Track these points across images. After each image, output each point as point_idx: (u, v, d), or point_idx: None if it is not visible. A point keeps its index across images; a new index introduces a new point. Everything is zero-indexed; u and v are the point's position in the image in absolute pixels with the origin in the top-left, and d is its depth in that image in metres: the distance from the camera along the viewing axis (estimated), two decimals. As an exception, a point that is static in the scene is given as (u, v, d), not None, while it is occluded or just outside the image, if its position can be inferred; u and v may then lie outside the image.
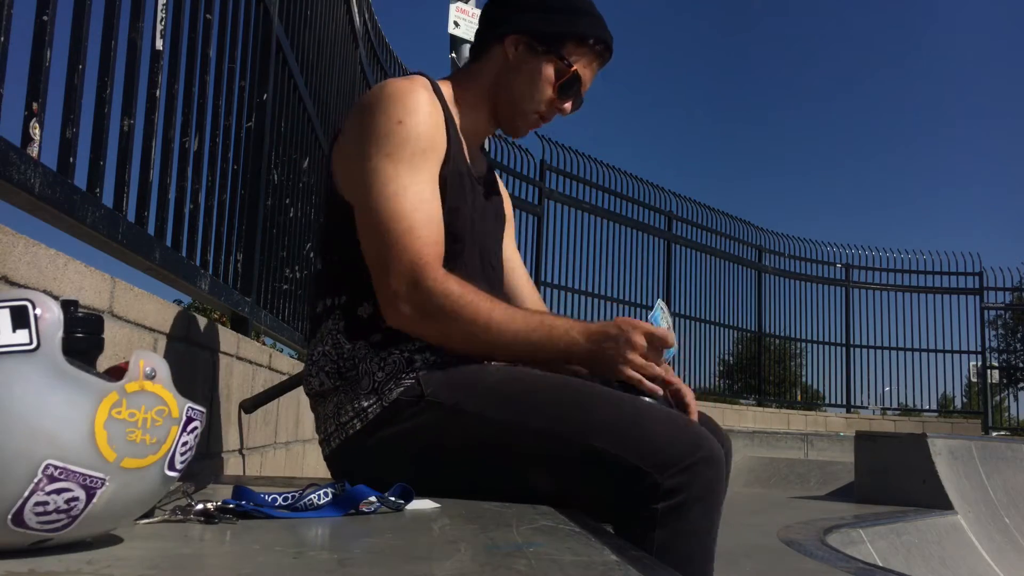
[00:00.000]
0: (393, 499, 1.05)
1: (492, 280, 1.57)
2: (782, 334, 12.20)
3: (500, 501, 1.23)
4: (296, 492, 1.02)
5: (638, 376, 1.35)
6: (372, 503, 1.02)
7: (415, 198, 1.37)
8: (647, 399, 1.34)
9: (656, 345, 1.37)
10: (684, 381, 1.53)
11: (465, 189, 1.49)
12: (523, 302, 1.70)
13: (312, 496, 0.98)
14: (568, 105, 1.55)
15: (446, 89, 1.56)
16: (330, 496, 1.00)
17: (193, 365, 1.83)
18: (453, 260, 1.42)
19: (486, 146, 1.67)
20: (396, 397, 1.36)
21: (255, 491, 0.99)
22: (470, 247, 1.49)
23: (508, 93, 1.54)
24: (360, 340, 1.40)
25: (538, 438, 1.29)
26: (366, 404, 1.37)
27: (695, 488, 1.24)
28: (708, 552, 1.29)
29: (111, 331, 1.35)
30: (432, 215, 1.38)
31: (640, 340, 1.35)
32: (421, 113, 1.41)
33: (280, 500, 1.00)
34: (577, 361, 1.38)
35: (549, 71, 1.51)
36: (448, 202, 1.44)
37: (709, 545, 1.29)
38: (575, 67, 1.51)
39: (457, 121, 1.53)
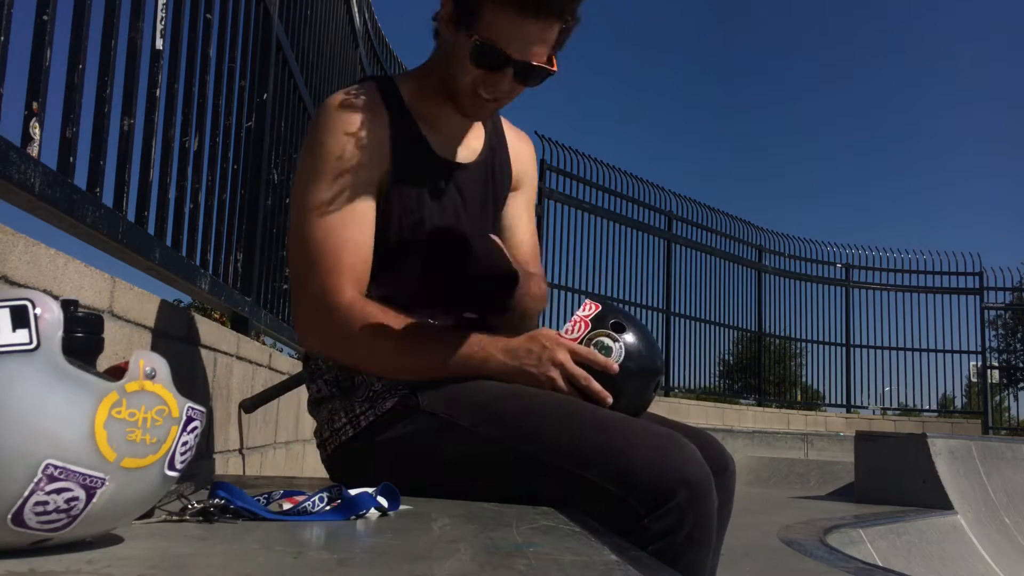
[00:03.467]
0: (386, 506, 1.05)
1: None
2: (782, 334, 12.21)
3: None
4: (266, 495, 1.01)
5: (566, 389, 1.32)
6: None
7: (330, 223, 1.36)
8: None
9: (585, 364, 1.33)
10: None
11: (424, 189, 1.45)
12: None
13: (306, 504, 0.98)
14: (503, 75, 1.38)
15: (410, 85, 1.50)
16: (325, 502, 1.00)
17: (193, 365, 1.83)
18: (408, 264, 1.41)
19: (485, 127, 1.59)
20: (390, 406, 1.37)
21: (234, 486, 0.99)
22: (435, 246, 1.41)
23: (447, 77, 1.44)
24: None
25: (527, 462, 1.27)
26: (359, 411, 1.39)
27: (685, 528, 1.19)
28: (704, 569, 1.26)
29: (111, 331, 1.35)
30: (347, 240, 1.37)
31: (562, 357, 1.33)
32: (340, 132, 1.39)
33: (261, 499, 0.99)
34: (497, 377, 1.35)
35: (465, 46, 1.37)
36: (396, 210, 1.42)
37: (705, 565, 1.26)
38: (478, 36, 1.34)
39: (426, 114, 1.48)
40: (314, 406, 1.48)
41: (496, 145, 1.61)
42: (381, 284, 1.42)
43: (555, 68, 1.41)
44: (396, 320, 1.34)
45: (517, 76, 1.39)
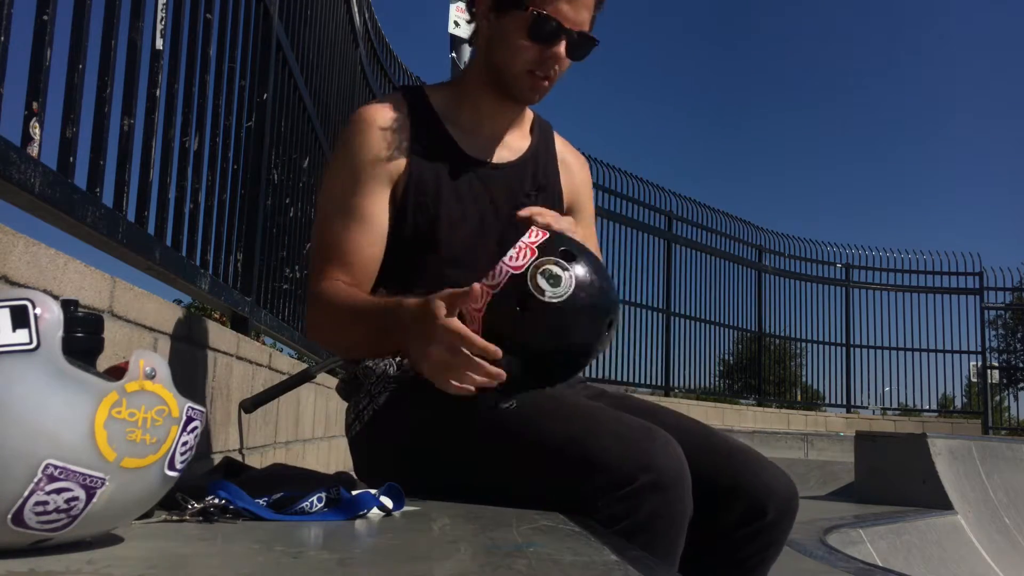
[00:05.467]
0: (389, 506, 1.05)
1: None
2: (782, 334, 12.20)
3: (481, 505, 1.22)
4: (266, 497, 1.01)
5: (456, 387, 1.17)
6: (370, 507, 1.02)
7: (336, 223, 1.43)
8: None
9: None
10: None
11: (443, 187, 1.46)
12: None
13: (304, 504, 0.98)
14: (559, 49, 1.41)
15: (442, 92, 1.54)
16: (324, 502, 1.00)
17: (193, 365, 1.83)
18: (421, 260, 1.44)
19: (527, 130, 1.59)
20: (383, 401, 1.40)
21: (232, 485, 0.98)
22: (454, 245, 1.45)
23: (496, 64, 1.46)
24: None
25: (498, 459, 1.27)
26: (362, 407, 1.43)
27: (640, 514, 1.16)
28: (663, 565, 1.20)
29: (111, 331, 1.35)
30: (346, 239, 1.42)
31: (441, 328, 1.17)
32: (360, 135, 1.45)
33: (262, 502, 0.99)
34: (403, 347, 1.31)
35: (518, 24, 1.40)
36: (411, 207, 1.44)
37: (664, 558, 1.20)
38: (534, 7, 1.38)
39: (458, 118, 1.51)
40: (341, 395, 1.54)
41: (542, 151, 1.60)
42: (396, 281, 1.44)
43: (596, 40, 1.45)
44: (350, 299, 1.36)
45: (569, 48, 1.42)
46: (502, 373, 1.16)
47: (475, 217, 1.48)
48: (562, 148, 1.65)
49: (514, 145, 1.56)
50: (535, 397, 1.30)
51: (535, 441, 1.24)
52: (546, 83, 1.46)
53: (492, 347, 1.15)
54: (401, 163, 1.45)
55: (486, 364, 1.15)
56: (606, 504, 1.16)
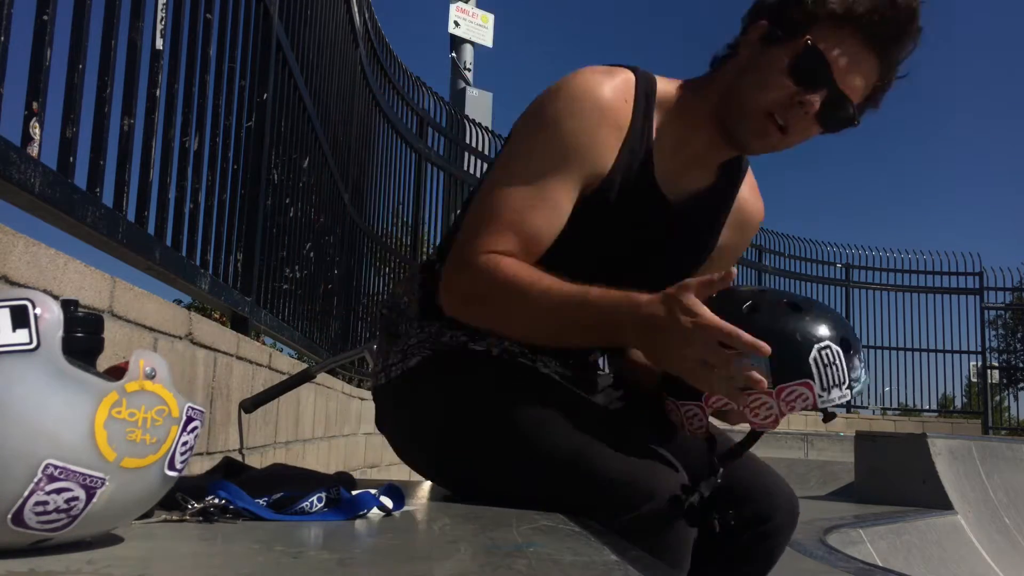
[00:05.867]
0: (389, 506, 1.05)
1: None
2: (782, 334, 12.18)
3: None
4: (266, 497, 1.01)
5: (709, 391, 1.11)
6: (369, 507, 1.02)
7: (519, 199, 1.25)
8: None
9: (732, 345, 1.06)
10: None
11: (623, 214, 1.31)
12: None
13: (303, 504, 0.98)
14: (812, 98, 1.21)
15: (667, 90, 1.35)
16: (324, 502, 1.00)
17: (193, 365, 1.83)
18: (568, 272, 1.25)
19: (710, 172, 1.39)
20: (412, 366, 1.36)
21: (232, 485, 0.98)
22: (601, 271, 1.26)
23: (736, 95, 1.27)
24: (421, 300, 1.39)
25: (502, 458, 1.26)
26: (392, 361, 1.38)
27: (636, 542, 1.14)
28: None
29: (111, 331, 1.35)
30: (527, 221, 1.25)
31: (696, 325, 1.07)
32: (574, 119, 1.26)
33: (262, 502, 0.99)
34: (634, 347, 1.22)
35: (783, 59, 1.22)
36: (585, 220, 1.29)
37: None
38: (810, 38, 1.20)
39: (666, 131, 1.33)
40: (378, 336, 1.48)
41: (724, 193, 1.43)
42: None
43: (858, 122, 1.27)
44: (541, 283, 1.20)
45: (825, 107, 1.23)
46: (763, 381, 1.07)
47: (637, 254, 1.36)
48: (746, 188, 1.46)
49: (696, 182, 1.38)
50: (556, 398, 1.27)
51: (542, 449, 1.21)
52: (778, 135, 1.26)
53: (762, 344, 1.04)
54: (604, 169, 1.29)
55: (749, 368, 1.06)
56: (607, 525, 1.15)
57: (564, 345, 1.33)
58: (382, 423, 1.45)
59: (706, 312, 1.07)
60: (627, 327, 1.14)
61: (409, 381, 1.36)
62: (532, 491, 1.19)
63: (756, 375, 1.07)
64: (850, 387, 1.13)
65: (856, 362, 1.14)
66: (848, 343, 1.14)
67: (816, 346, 1.11)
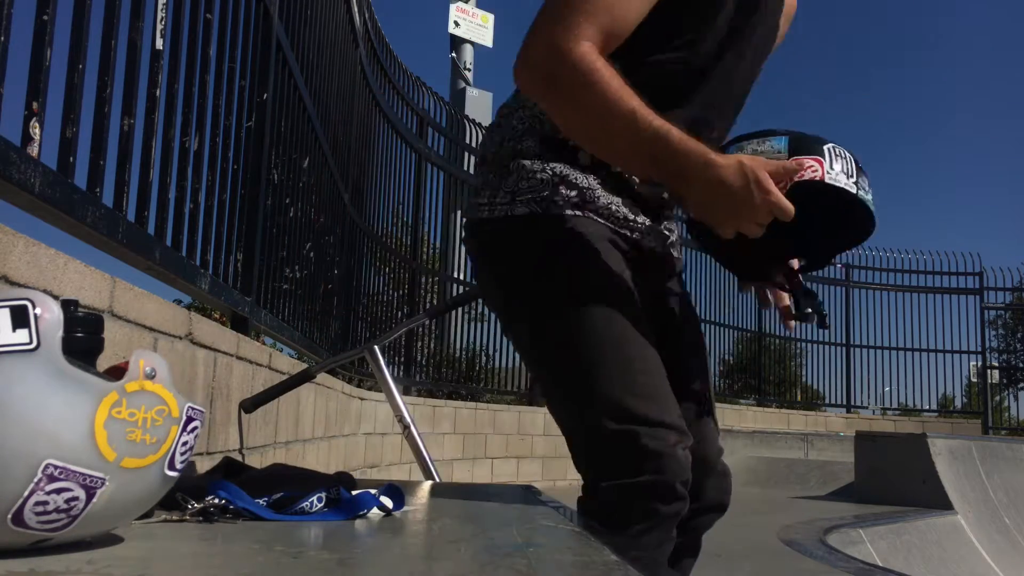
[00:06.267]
0: (389, 505, 1.05)
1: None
2: (782, 334, 12.20)
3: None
4: (266, 497, 1.01)
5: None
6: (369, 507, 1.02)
7: None
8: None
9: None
10: None
11: (719, 12, 1.34)
12: None
13: (303, 504, 0.98)
14: None
15: None
16: (324, 502, 1.00)
17: (193, 365, 1.83)
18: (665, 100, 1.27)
19: None
20: (518, 214, 1.35)
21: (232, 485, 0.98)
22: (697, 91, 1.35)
23: None
24: (538, 138, 1.37)
25: (546, 374, 1.33)
26: (498, 199, 1.37)
27: (614, 508, 1.21)
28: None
29: (111, 331, 1.35)
30: (621, 8, 1.25)
31: (765, 202, 1.15)
32: None
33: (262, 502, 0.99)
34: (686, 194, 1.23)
35: None
36: (685, 21, 1.31)
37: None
38: None
39: None
40: (479, 163, 1.46)
41: None
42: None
43: None
44: (624, 93, 1.20)
45: None
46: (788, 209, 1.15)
47: (731, 60, 1.39)
48: None
49: None
50: (630, 327, 1.29)
51: (599, 366, 1.26)
52: None
53: (790, 207, 1.15)
54: None
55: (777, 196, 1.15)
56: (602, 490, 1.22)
57: (617, 164, 1.34)
58: (474, 250, 1.43)
59: (777, 193, 1.15)
60: (693, 178, 1.19)
61: (511, 228, 1.35)
62: (559, 401, 1.29)
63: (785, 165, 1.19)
64: (857, 183, 1.25)
65: (865, 179, 1.28)
66: (862, 166, 1.28)
67: (831, 144, 1.26)
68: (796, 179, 1.20)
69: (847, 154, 1.26)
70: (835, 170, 1.24)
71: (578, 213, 1.33)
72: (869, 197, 1.27)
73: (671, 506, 1.22)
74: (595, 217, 1.34)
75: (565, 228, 1.32)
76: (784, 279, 1.44)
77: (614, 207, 1.36)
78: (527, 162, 1.36)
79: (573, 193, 1.34)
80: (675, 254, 1.51)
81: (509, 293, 1.38)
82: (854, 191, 1.25)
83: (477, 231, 1.41)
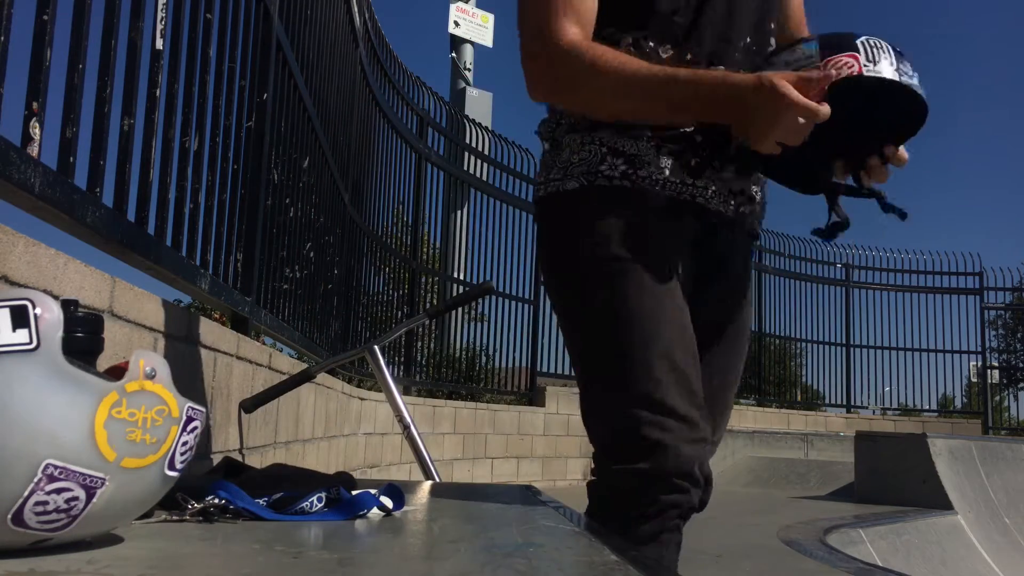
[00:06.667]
0: (389, 505, 1.05)
1: (744, 59, 1.37)
2: (782, 334, 12.20)
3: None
4: (267, 497, 1.01)
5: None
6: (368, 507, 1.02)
7: None
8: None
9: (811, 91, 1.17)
10: None
11: None
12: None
13: (304, 504, 0.98)
14: None
15: None
16: (324, 502, 1.00)
17: (193, 365, 1.83)
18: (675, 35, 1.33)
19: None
20: (569, 189, 1.36)
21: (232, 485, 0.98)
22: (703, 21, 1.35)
23: None
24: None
25: (579, 352, 1.35)
26: (553, 177, 1.40)
27: (615, 492, 1.25)
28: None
29: (111, 331, 1.35)
30: None
31: (793, 102, 1.15)
32: None
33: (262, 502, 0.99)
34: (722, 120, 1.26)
35: None
36: None
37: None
38: None
39: None
40: (543, 142, 1.48)
41: None
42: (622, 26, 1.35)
43: None
44: (626, 65, 1.25)
45: None
46: (824, 109, 1.15)
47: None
48: None
49: None
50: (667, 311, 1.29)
51: (617, 350, 1.27)
52: None
53: (824, 108, 1.15)
54: None
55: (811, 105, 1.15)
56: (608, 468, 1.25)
57: (649, 121, 1.34)
58: (537, 231, 1.46)
59: (799, 97, 1.15)
60: (713, 104, 1.22)
61: (564, 205, 1.37)
62: (581, 379, 1.33)
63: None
64: (899, 69, 1.21)
65: (908, 64, 1.23)
66: (901, 49, 1.23)
67: (863, 37, 1.23)
68: (833, 79, 1.18)
69: (883, 44, 1.23)
70: (873, 61, 1.21)
71: (626, 184, 1.33)
72: (915, 81, 1.23)
73: (669, 497, 1.23)
74: (647, 184, 1.33)
75: (609, 201, 1.32)
76: (862, 178, 1.35)
77: (668, 171, 1.34)
78: (576, 135, 1.37)
79: (620, 161, 1.34)
80: (748, 215, 1.46)
81: (552, 270, 1.40)
82: (897, 77, 1.21)
83: (536, 211, 1.43)
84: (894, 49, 1.23)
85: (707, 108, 1.24)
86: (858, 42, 1.22)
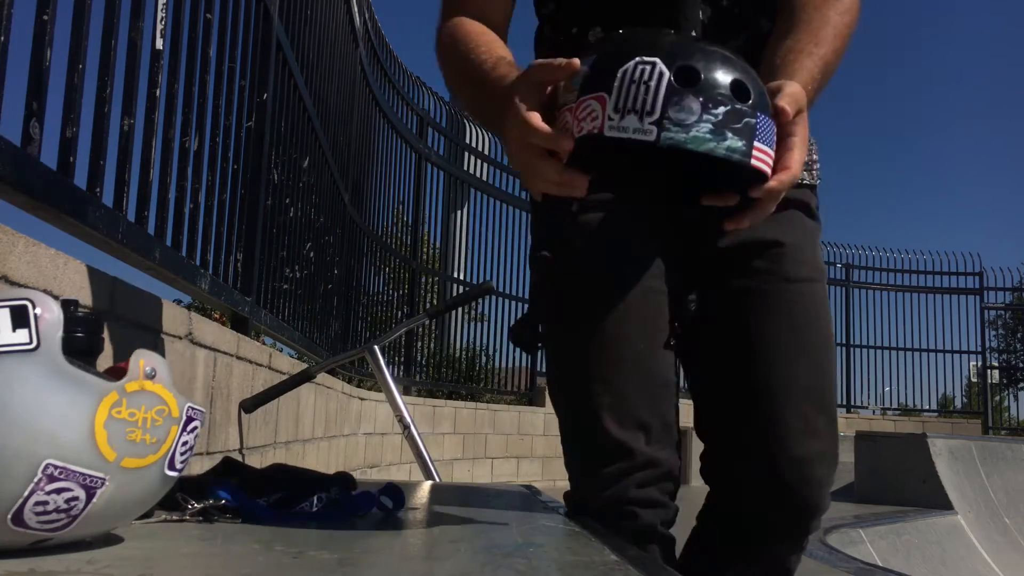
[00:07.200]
0: (389, 505, 1.05)
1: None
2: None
3: None
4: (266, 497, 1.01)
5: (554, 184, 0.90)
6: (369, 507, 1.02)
7: None
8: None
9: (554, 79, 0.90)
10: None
11: None
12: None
13: (303, 504, 0.98)
14: None
15: None
16: (324, 502, 1.00)
17: (193, 365, 1.83)
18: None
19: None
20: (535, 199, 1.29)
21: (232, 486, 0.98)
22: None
23: None
24: None
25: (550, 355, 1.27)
26: None
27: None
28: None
29: (111, 331, 1.35)
30: None
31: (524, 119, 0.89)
32: None
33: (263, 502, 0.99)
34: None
35: None
36: None
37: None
38: None
39: None
40: None
41: None
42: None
43: None
44: (466, 37, 1.16)
45: None
46: (574, 181, 0.87)
47: None
48: None
49: None
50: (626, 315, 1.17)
51: (569, 377, 1.21)
52: None
53: (564, 140, 0.85)
54: None
55: (556, 168, 0.88)
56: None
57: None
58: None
59: (519, 110, 0.89)
60: (494, 111, 0.99)
61: (537, 211, 1.30)
62: (554, 396, 1.26)
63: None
64: (659, 123, 0.81)
65: (693, 103, 0.81)
66: (690, 74, 0.82)
67: (636, 59, 0.83)
68: (573, 140, 0.85)
69: (655, 76, 0.82)
70: (621, 111, 0.82)
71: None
72: (683, 134, 0.81)
73: (629, 522, 1.14)
74: (609, 192, 1.19)
75: (572, 208, 1.21)
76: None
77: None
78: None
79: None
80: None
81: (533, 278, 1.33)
82: (642, 136, 0.81)
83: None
84: (681, 86, 0.82)
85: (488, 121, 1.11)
86: (620, 72, 0.83)
